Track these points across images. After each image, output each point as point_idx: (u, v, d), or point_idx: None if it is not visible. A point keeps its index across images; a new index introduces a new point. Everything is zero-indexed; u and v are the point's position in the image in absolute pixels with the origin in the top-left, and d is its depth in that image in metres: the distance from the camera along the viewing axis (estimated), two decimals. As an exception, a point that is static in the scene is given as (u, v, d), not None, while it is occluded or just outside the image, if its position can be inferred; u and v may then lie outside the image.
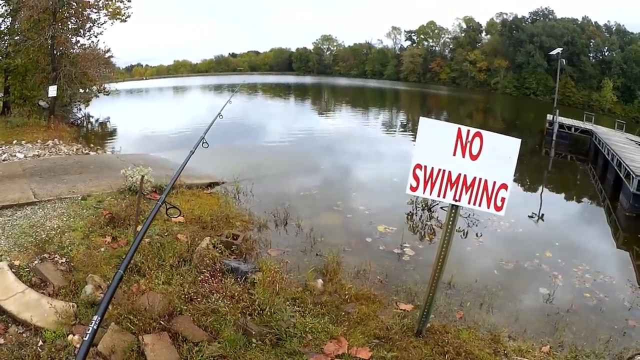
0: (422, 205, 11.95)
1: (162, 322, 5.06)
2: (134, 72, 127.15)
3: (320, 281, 6.98)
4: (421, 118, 4.68)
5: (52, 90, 20.73)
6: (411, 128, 32.55)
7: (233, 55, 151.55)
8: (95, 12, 24.14)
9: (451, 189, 4.67)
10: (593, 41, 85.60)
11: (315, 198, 12.67)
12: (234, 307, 5.59)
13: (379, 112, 46.36)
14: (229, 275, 6.60)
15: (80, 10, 23.09)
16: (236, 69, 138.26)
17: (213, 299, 5.68)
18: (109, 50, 26.43)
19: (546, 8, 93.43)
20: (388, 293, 7.09)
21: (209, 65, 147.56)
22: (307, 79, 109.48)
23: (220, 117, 8.13)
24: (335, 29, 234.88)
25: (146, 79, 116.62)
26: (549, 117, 31.75)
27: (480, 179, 4.62)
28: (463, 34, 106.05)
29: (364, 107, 49.69)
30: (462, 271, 8.08)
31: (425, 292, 5.33)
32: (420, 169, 4.68)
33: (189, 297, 5.73)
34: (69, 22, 23.67)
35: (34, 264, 6.19)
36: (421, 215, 11.65)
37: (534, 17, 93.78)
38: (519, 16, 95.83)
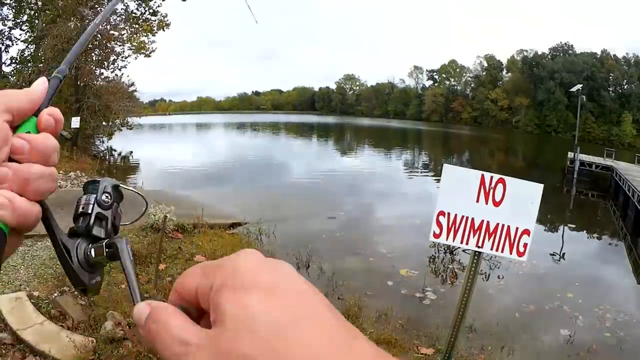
0: (444, 249, 11.81)
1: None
2: (157, 107, 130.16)
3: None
4: (445, 165, 4.69)
5: (75, 122, 20.76)
6: (433, 169, 32.51)
7: (256, 93, 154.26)
8: (120, 45, 24.74)
9: (474, 235, 4.63)
10: (612, 75, 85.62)
11: (337, 240, 12.62)
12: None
13: (401, 153, 46.53)
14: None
15: (105, 42, 23.54)
16: (259, 107, 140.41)
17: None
18: (132, 84, 27.03)
19: (565, 43, 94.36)
20: (409, 337, 7.00)
21: (232, 103, 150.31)
22: (330, 119, 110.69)
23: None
24: (358, 67, 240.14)
25: (170, 114, 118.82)
26: (570, 155, 31.53)
27: (503, 225, 4.58)
28: (484, 72, 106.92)
29: (386, 148, 49.91)
30: (484, 314, 7.98)
31: (446, 336, 5.25)
32: (444, 216, 4.66)
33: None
34: (93, 54, 24.10)
35: (53, 297, 6.23)
36: (443, 258, 11.50)
37: (554, 53, 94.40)
38: (539, 52, 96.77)
